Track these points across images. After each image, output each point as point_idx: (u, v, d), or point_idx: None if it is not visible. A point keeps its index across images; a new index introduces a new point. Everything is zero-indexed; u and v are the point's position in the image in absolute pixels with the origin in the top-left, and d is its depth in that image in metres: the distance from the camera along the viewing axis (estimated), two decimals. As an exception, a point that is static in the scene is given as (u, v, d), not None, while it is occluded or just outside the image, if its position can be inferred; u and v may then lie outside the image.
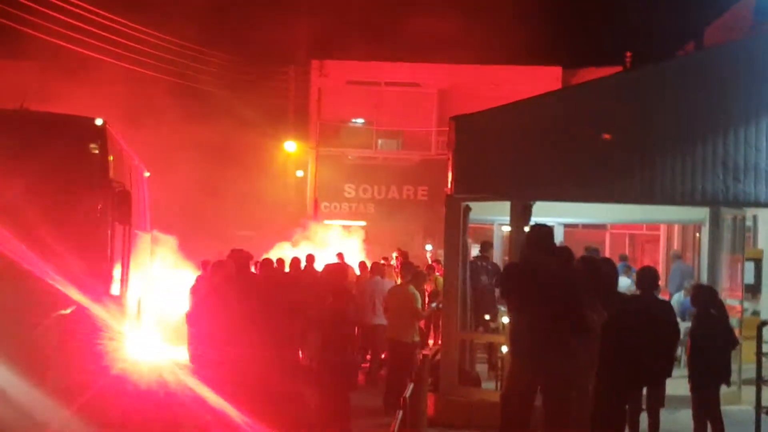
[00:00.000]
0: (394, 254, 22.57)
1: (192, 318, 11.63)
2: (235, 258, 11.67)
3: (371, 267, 19.56)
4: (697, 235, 19.76)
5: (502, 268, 14.84)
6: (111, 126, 15.58)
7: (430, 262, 23.05)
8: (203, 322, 10.40)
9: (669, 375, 11.02)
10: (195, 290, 15.90)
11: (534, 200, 14.02)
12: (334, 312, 11.13)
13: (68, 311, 13.22)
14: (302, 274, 18.54)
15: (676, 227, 22.71)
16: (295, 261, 19.45)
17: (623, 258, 21.27)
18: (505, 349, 13.28)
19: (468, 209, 14.85)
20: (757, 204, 14.51)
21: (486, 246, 17.24)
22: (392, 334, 15.20)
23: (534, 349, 9.32)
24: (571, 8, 45.95)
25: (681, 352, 12.25)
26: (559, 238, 18.47)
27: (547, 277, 9.33)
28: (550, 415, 9.32)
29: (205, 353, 10.05)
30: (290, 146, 34.80)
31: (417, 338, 15.34)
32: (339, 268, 13.17)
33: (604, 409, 9.83)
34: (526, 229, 12.50)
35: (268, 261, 17.79)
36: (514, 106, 14.62)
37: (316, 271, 17.85)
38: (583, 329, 9.34)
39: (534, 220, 13.59)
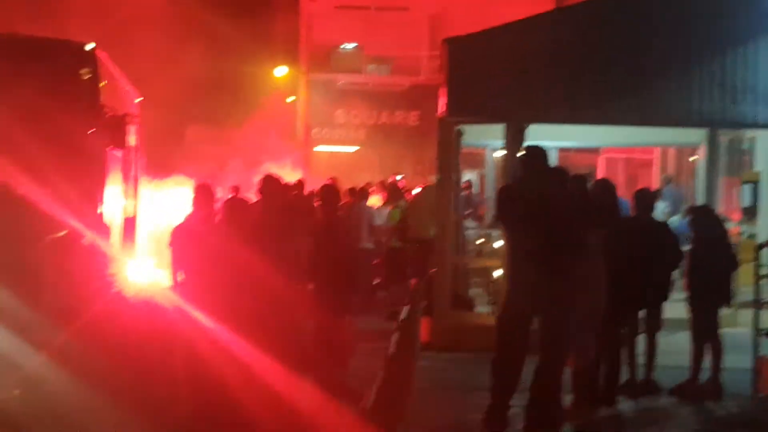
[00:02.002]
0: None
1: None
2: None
3: (357, 192, 19.29)
4: (692, 158, 19.64)
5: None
6: (101, 51, 15.37)
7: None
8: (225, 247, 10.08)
9: (666, 298, 10.97)
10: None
11: (529, 123, 13.84)
12: (326, 228, 10.96)
13: (61, 234, 13.15)
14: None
15: (671, 151, 22.60)
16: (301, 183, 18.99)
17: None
18: (497, 272, 13.26)
19: (460, 133, 14.70)
20: (755, 125, 14.38)
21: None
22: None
23: (530, 271, 9.13)
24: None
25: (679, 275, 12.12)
26: (552, 162, 18.39)
27: (541, 199, 9.11)
28: (547, 338, 9.19)
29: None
30: (280, 71, 34.57)
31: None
32: (332, 186, 13.03)
33: (600, 332, 9.74)
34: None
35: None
36: (508, 27, 14.33)
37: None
38: (580, 251, 9.18)
39: (528, 143, 13.35)
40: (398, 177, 22.14)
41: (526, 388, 9.23)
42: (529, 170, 9.63)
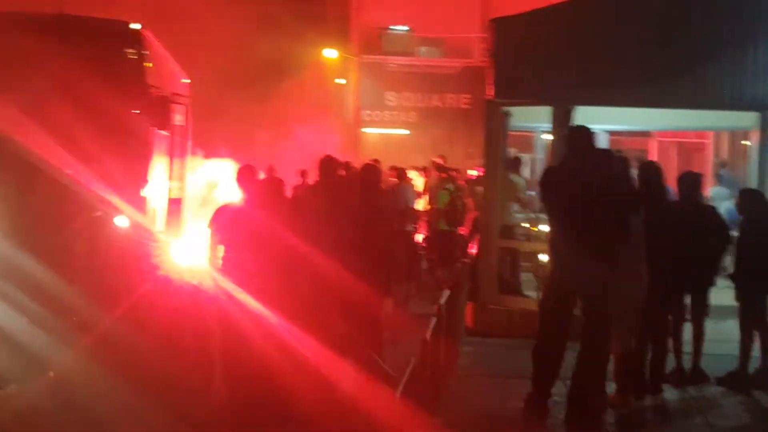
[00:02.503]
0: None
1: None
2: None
3: (396, 173, 19.14)
4: (744, 142, 19.29)
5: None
6: (148, 31, 15.41)
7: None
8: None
9: (712, 283, 10.73)
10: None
11: (577, 105, 13.61)
12: (365, 209, 10.88)
13: (103, 214, 13.20)
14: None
15: (724, 135, 22.16)
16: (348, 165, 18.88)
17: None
18: (543, 256, 13.08)
19: (508, 115, 14.53)
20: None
21: (513, 162, 16.62)
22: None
23: (574, 255, 8.98)
24: None
25: (729, 261, 11.89)
26: (603, 145, 18.18)
27: (586, 181, 8.95)
28: (589, 323, 9.05)
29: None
30: (331, 53, 34.27)
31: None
32: (373, 167, 12.92)
33: (645, 318, 9.56)
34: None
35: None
36: (556, 7, 14.16)
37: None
38: (624, 234, 9.00)
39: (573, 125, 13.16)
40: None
41: (569, 377, 9.18)
42: (573, 152, 9.50)
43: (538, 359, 9.23)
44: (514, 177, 15.47)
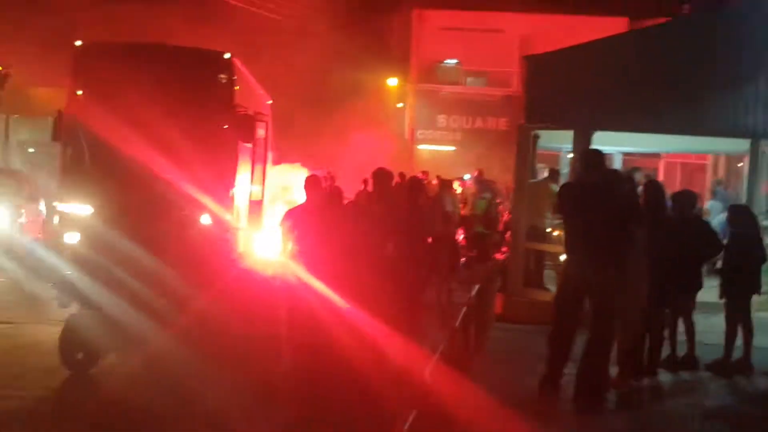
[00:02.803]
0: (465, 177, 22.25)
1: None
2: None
3: (440, 183, 19.09)
4: (740, 164, 19.08)
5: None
6: (237, 59, 15.54)
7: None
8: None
9: (701, 285, 10.63)
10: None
11: (595, 130, 13.56)
12: (410, 214, 10.91)
13: (201, 212, 13.35)
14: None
15: (721, 158, 21.85)
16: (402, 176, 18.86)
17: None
18: (563, 257, 13.08)
19: (537, 137, 14.56)
20: (792, 139, 13.89)
21: (553, 173, 16.63)
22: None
23: (585, 254, 9.01)
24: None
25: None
26: (618, 164, 18.09)
27: (595, 192, 8.99)
28: (596, 316, 9.07)
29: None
30: (393, 81, 34.70)
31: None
32: (418, 179, 13.01)
33: (645, 314, 9.56)
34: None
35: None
36: (579, 47, 14.14)
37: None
38: (629, 242, 9.02)
39: (589, 147, 13.13)
40: (466, 177, 22.06)
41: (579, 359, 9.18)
42: (587, 170, 9.50)
43: (552, 344, 9.25)
44: (552, 186, 15.41)
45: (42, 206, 20.62)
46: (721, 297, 10.70)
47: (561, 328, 9.22)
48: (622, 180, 9.85)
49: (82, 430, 8.21)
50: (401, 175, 18.75)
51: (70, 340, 9.56)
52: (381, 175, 10.98)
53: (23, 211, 19.83)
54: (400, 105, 34.88)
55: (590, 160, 9.46)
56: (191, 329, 9.94)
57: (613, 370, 9.49)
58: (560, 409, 9.00)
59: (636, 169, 15.94)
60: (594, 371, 9.06)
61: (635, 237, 9.13)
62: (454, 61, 33.04)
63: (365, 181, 18.58)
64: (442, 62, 33.07)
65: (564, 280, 9.54)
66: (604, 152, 9.98)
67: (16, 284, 14.86)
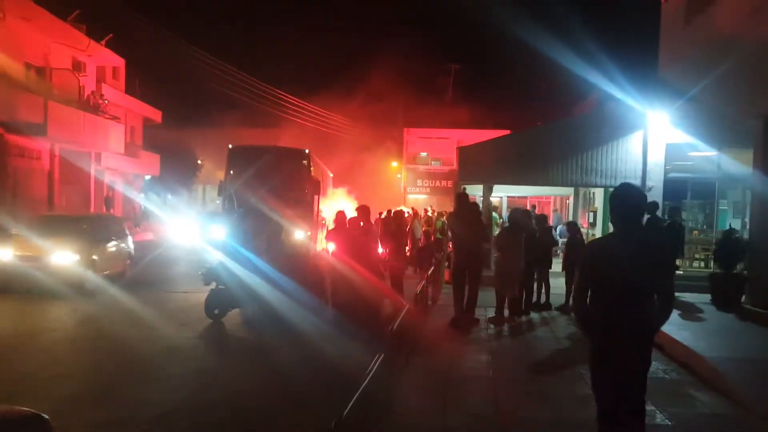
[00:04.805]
0: (427, 208, 21.40)
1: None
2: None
3: (414, 212, 18.28)
4: (567, 201, 18.38)
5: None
6: (312, 152, 15.19)
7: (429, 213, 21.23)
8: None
9: (551, 263, 9.99)
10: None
11: (493, 184, 13.16)
12: (394, 232, 10.38)
13: (297, 231, 13.17)
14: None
15: (558, 197, 21.33)
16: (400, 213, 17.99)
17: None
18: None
19: (464, 189, 13.87)
20: (595, 185, 13.26)
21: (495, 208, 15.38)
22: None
23: (465, 252, 8.51)
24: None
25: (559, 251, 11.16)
26: (504, 203, 17.42)
27: (465, 216, 8.57)
28: (471, 277, 8.54)
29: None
30: (394, 163, 34.28)
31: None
32: (399, 212, 12.39)
33: (521, 279, 8.89)
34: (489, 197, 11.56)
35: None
36: (485, 143, 13.72)
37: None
38: (483, 241, 8.76)
39: (494, 193, 12.87)
40: (429, 209, 21.36)
41: (481, 305, 8.45)
42: (459, 204, 8.81)
43: (455, 293, 8.60)
44: (494, 214, 14.59)
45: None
46: (562, 269, 10.02)
47: (456, 285, 8.58)
48: (477, 210, 8.98)
49: (228, 355, 7.29)
50: (389, 210, 18.09)
51: (210, 303, 8.87)
52: (363, 209, 10.11)
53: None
54: (399, 176, 34.29)
55: (461, 199, 8.82)
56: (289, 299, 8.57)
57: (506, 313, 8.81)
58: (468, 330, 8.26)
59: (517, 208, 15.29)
60: (471, 307, 8.51)
61: (487, 240, 8.96)
62: (425, 153, 32.62)
63: (342, 213, 17.43)
64: (420, 154, 32.65)
65: (455, 262, 8.73)
66: (472, 195, 9.35)
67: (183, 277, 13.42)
